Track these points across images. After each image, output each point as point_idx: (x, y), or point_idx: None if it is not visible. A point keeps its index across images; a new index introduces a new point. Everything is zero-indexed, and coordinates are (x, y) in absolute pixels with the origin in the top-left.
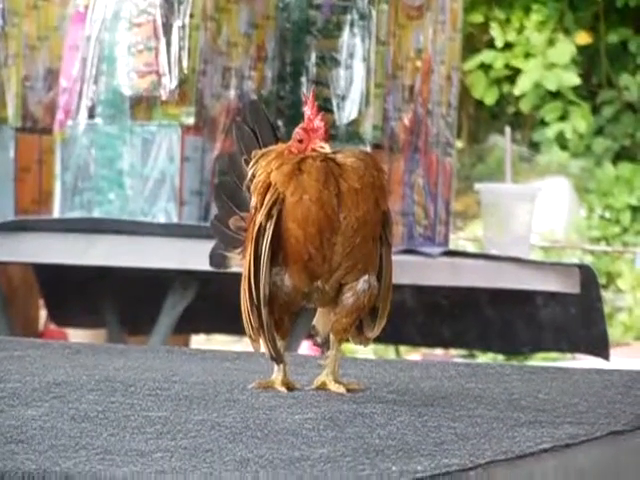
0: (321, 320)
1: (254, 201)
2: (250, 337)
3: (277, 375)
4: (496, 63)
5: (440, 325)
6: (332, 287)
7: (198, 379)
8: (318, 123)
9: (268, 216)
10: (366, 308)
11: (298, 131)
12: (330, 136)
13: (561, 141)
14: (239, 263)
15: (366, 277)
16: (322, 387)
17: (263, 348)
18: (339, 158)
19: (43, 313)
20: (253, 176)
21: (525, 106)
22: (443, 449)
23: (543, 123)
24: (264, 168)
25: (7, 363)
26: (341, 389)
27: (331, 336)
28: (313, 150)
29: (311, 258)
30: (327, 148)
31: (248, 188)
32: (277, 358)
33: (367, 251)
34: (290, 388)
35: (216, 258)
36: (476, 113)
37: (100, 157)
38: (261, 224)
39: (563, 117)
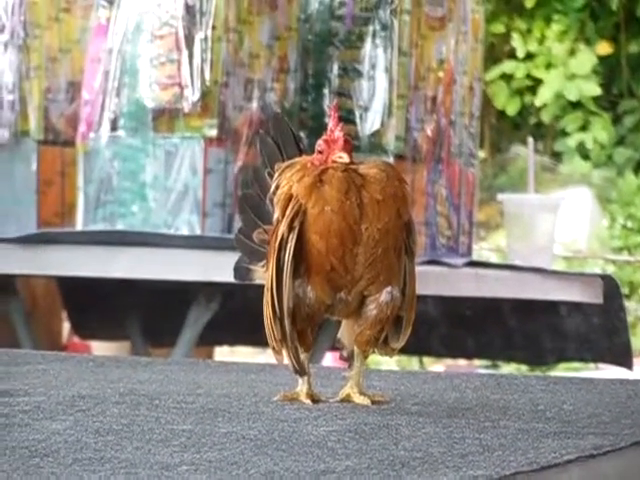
0: (346, 333)
1: (277, 213)
2: (273, 349)
3: (302, 387)
4: (517, 73)
5: (464, 336)
6: (355, 298)
7: (222, 391)
8: (337, 134)
9: (290, 228)
10: (389, 320)
11: (320, 143)
12: (353, 147)
13: (583, 151)
14: (263, 276)
15: (389, 289)
16: (347, 399)
17: (286, 360)
18: (361, 169)
19: (66, 326)
20: (277, 188)
21: (546, 116)
22: (468, 461)
23: (564, 133)
24: (287, 180)
25: (31, 376)
26: (366, 401)
27: (355, 348)
28: (333, 161)
29: (333, 269)
30: (345, 158)
31: (271, 201)
32: (300, 370)
33: (389, 262)
34: (315, 400)
35: (240, 271)
36: (498, 123)
37: (123, 169)
38: (283, 236)
39: (584, 127)
